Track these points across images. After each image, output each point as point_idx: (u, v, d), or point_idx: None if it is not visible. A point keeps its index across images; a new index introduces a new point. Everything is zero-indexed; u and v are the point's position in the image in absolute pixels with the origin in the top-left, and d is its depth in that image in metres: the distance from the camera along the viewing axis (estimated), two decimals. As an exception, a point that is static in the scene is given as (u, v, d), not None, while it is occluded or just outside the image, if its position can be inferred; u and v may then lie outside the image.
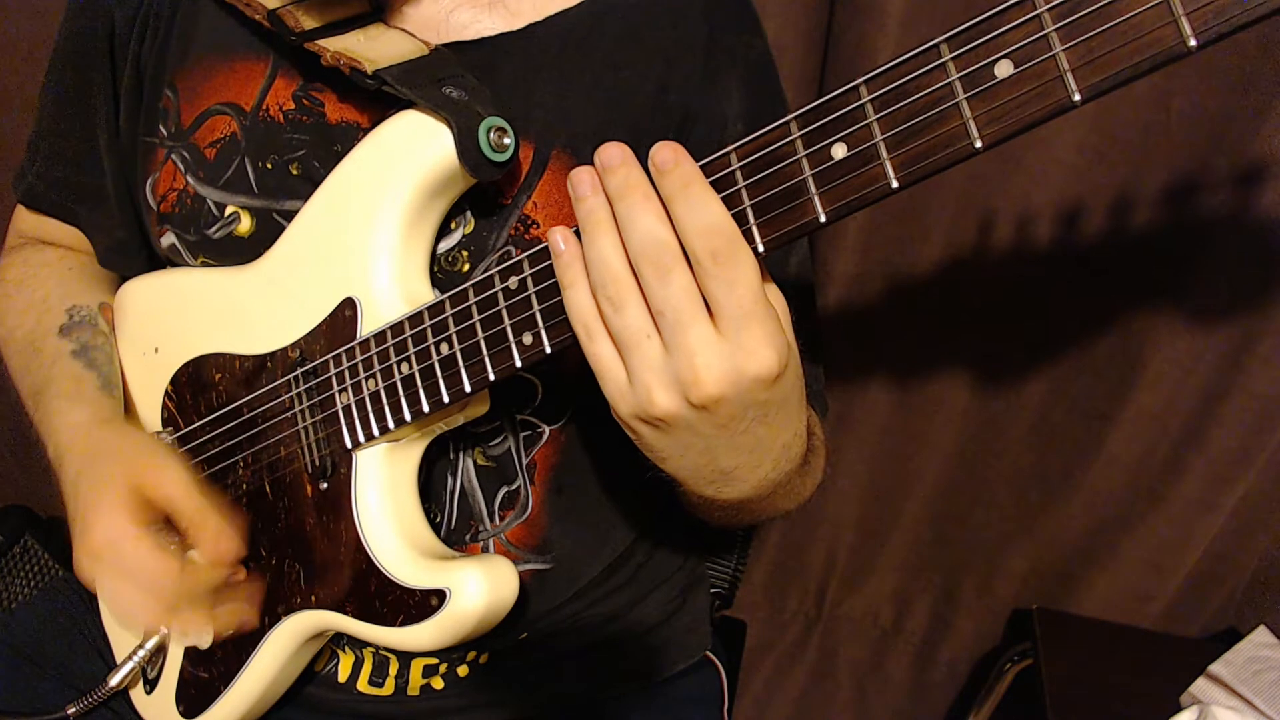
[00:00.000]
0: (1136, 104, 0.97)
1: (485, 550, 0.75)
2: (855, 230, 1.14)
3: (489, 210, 0.69)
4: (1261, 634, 1.08)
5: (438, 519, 0.74)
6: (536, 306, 0.55)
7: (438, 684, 0.78)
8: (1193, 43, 0.35)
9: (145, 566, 0.64)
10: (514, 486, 0.75)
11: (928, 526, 1.33)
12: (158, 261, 0.81)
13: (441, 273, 0.70)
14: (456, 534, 0.75)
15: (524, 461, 0.75)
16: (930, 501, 1.31)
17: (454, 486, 0.74)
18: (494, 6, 0.70)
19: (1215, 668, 1.03)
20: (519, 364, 0.56)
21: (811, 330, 0.85)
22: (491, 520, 0.75)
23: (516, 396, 0.73)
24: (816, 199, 0.44)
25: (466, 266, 0.69)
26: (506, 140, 0.61)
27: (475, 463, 0.74)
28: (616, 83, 0.70)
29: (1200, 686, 1.03)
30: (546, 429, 0.75)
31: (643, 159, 0.70)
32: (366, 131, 0.67)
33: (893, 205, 1.10)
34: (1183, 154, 0.97)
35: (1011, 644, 1.27)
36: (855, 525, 1.38)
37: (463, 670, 0.78)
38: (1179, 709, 1.00)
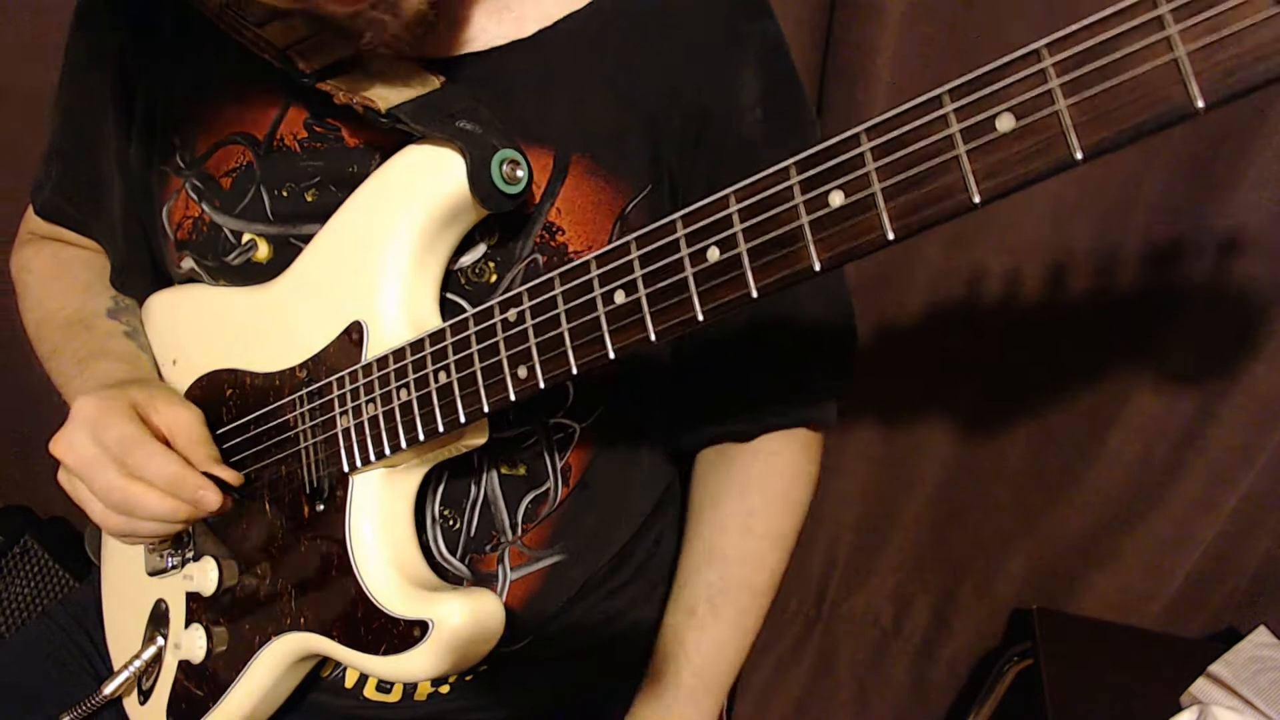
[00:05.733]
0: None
1: (502, 560, 0.75)
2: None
3: (513, 219, 0.68)
4: (1261, 634, 1.07)
5: (456, 526, 0.74)
6: (533, 340, 0.55)
7: (444, 689, 0.78)
8: (1200, 104, 0.34)
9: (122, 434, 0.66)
10: (543, 489, 0.75)
11: (928, 526, 1.33)
12: (164, 283, 0.82)
13: (469, 284, 0.69)
14: (476, 543, 0.74)
15: (559, 465, 0.75)
16: (930, 501, 1.31)
17: (476, 495, 0.74)
18: (500, 16, 0.69)
19: (1215, 668, 1.03)
20: (513, 397, 0.56)
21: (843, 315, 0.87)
22: (513, 531, 0.75)
23: (548, 403, 0.73)
24: (812, 246, 0.44)
25: (494, 277, 0.69)
26: (519, 173, 0.61)
27: (500, 473, 0.74)
28: (630, 82, 0.69)
29: (1200, 686, 1.03)
30: (577, 428, 0.75)
31: (662, 155, 0.69)
32: (383, 153, 0.67)
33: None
34: (1182, 155, 0.97)
35: (1011, 644, 1.27)
36: (855, 525, 1.37)
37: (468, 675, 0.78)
38: (1179, 709, 1.00)
